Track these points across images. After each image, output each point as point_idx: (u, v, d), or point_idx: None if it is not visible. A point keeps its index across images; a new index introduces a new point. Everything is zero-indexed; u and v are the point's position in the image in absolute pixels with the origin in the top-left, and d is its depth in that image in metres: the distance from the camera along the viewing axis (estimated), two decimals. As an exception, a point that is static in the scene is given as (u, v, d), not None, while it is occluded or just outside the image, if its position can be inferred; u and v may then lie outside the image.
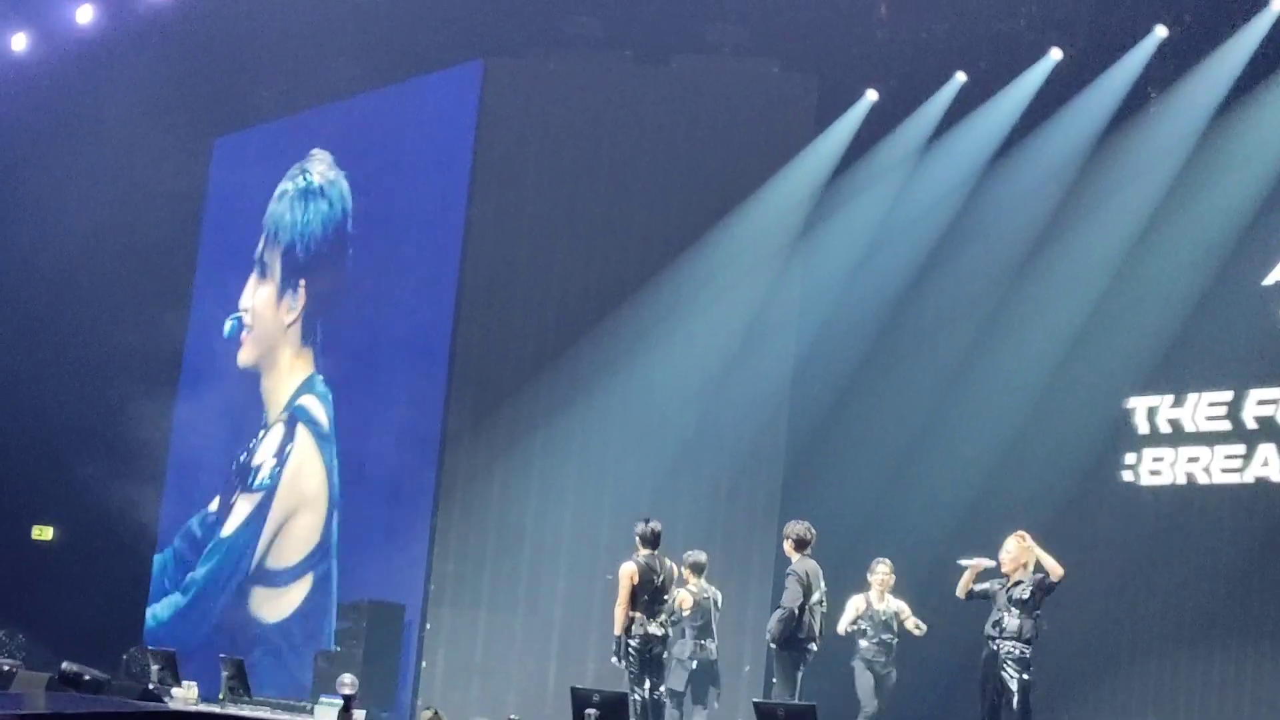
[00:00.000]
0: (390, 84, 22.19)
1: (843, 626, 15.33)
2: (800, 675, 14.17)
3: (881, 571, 15.61)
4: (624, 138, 20.03)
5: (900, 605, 15.56)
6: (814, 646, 14.13)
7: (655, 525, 14.19)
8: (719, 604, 15.60)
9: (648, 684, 13.96)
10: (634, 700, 13.75)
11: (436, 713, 12.70)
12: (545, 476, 19.95)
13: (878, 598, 15.52)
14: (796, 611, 13.89)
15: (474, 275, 20.28)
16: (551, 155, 20.05)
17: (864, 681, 15.35)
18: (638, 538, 14.15)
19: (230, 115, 23.97)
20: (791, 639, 13.96)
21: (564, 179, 19.95)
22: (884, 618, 15.44)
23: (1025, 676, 13.47)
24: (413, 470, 20.87)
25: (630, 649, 13.94)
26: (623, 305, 19.64)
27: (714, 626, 15.50)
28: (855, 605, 15.46)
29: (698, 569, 15.45)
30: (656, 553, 14.13)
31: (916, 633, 15.44)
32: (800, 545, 14.29)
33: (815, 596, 14.02)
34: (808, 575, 14.04)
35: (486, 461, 20.07)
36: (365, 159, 22.57)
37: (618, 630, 14.08)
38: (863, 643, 15.40)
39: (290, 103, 23.32)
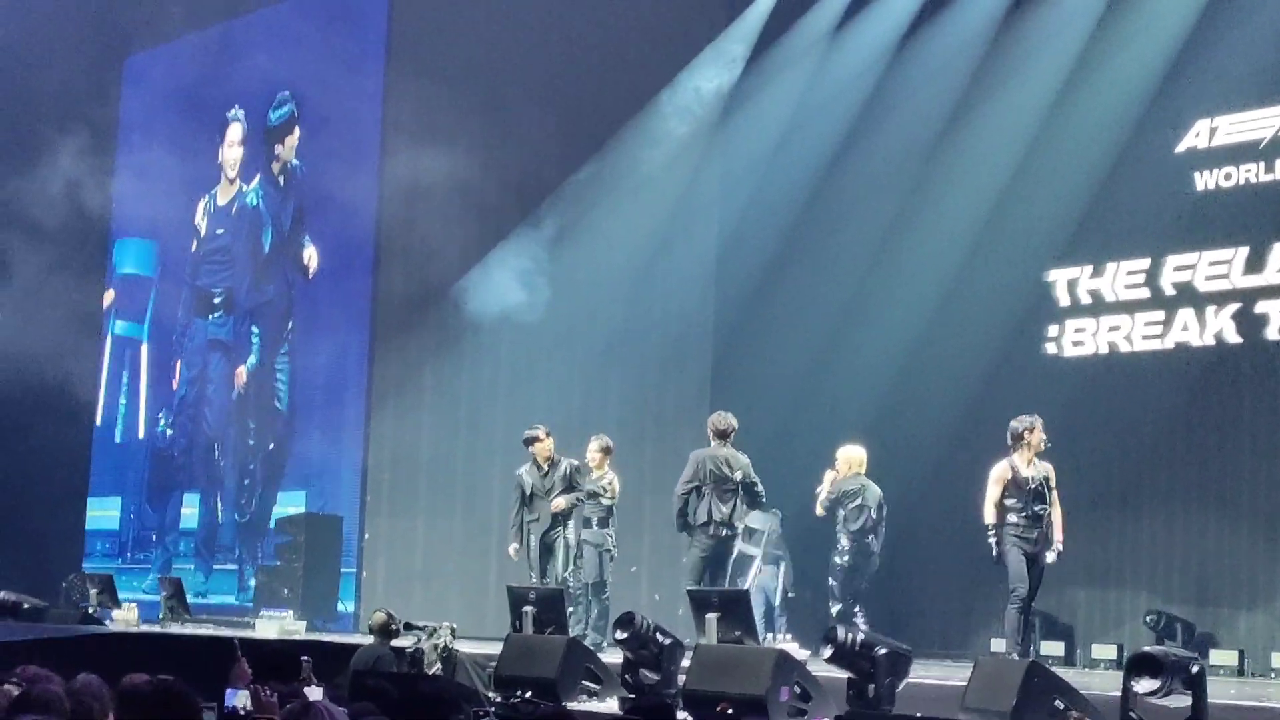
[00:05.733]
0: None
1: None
2: (705, 557, 14.24)
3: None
4: (536, 33, 19.88)
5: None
6: (713, 531, 14.19)
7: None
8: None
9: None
10: None
11: (390, 614, 12.74)
12: (475, 378, 19.96)
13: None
14: (678, 495, 14.07)
15: (393, 182, 20.10)
16: (465, 53, 19.84)
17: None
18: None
19: (141, 33, 23.73)
20: (684, 524, 14.16)
21: (478, 77, 19.77)
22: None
23: None
24: (344, 380, 20.85)
25: None
26: (544, 201, 19.60)
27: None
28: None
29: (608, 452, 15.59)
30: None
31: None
32: (718, 435, 14.38)
33: (711, 485, 14.10)
34: (701, 461, 14.17)
35: (417, 367, 20.04)
36: (275, 73, 22.34)
37: None
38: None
39: (199, 18, 23.07)
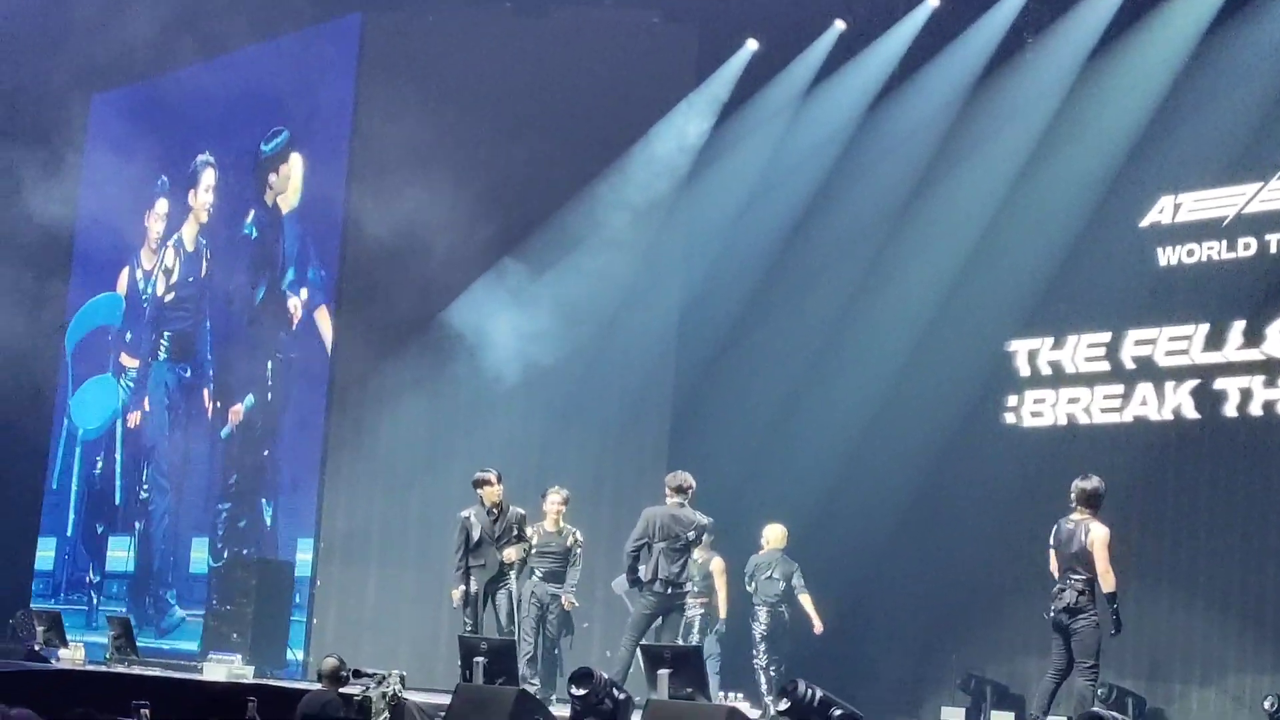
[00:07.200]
0: (268, 39, 21.95)
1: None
2: (648, 614, 14.15)
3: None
4: (504, 90, 19.91)
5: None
6: (659, 589, 14.08)
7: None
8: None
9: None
10: None
11: (341, 661, 12.61)
12: (433, 429, 19.88)
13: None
14: (627, 552, 14.08)
15: (356, 231, 20.14)
16: (432, 109, 19.86)
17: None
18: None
19: (109, 71, 23.66)
20: (634, 580, 14.16)
21: (445, 134, 19.77)
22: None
23: None
24: (300, 428, 20.79)
25: None
26: (507, 256, 19.57)
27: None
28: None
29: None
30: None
31: None
32: (676, 492, 14.33)
33: (663, 543, 14.04)
34: (651, 518, 14.13)
35: (374, 417, 19.99)
36: (246, 116, 22.34)
37: None
38: None
39: (168, 60, 23.00)
